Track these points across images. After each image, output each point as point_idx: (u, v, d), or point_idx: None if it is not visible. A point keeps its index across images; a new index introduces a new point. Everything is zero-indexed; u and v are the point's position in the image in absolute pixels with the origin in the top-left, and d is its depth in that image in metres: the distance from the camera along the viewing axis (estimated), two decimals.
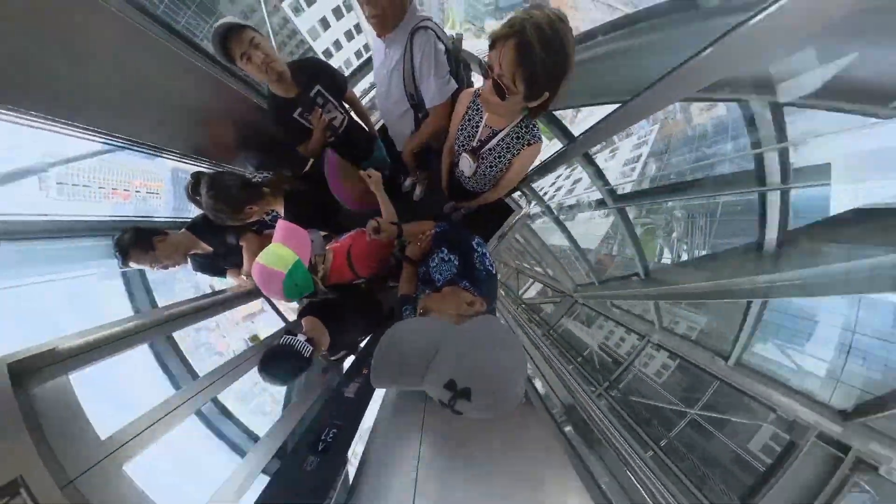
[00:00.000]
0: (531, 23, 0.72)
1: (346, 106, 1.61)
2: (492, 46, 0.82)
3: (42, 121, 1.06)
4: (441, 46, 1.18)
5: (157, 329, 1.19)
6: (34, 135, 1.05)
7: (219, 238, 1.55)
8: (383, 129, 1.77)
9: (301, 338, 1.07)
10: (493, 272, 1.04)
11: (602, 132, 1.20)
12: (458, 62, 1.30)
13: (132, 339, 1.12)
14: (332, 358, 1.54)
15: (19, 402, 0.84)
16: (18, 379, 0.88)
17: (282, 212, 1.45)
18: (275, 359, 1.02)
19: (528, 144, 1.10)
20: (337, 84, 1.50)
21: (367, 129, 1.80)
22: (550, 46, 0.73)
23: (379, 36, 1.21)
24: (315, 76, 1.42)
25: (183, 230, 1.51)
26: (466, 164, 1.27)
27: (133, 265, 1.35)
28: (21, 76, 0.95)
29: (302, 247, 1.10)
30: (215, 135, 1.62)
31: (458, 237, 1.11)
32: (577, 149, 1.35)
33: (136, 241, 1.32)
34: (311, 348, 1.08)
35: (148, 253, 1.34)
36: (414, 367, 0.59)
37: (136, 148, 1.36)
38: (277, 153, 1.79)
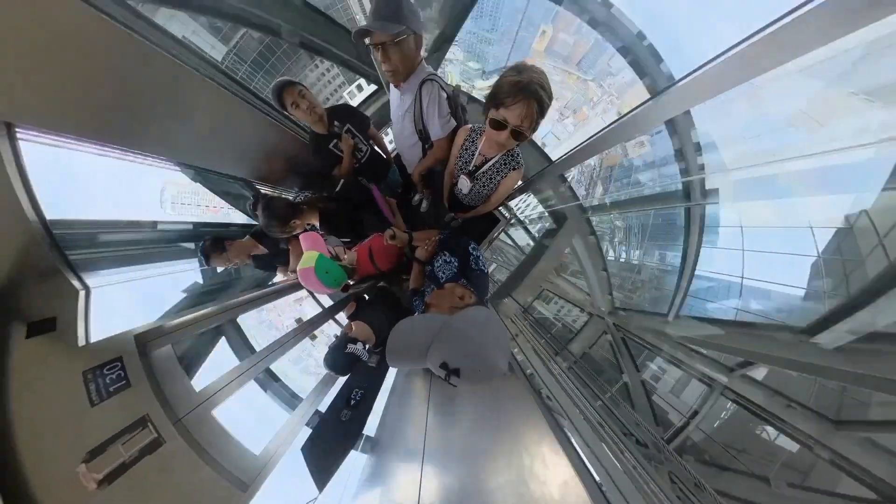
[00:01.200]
0: (539, 84, 0.96)
1: (370, 140, 2.06)
2: (507, 107, 1.00)
3: (161, 160, 1.49)
4: (444, 94, 1.48)
5: (231, 312, 1.58)
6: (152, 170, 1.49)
7: (273, 242, 1.95)
8: (397, 156, 2.16)
9: (360, 346, 1.40)
10: (486, 270, 1.29)
11: (574, 158, 1.50)
12: (456, 106, 1.60)
13: (215, 319, 1.50)
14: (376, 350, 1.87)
15: (143, 363, 1.17)
16: (142, 346, 1.21)
17: (318, 224, 1.83)
18: (343, 361, 1.38)
19: (513, 169, 1.42)
20: (361, 123, 1.95)
21: (385, 156, 2.23)
22: (549, 94, 0.99)
23: (395, 86, 1.52)
24: (345, 117, 1.87)
25: (247, 236, 1.93)
26: (464, 184, 1.60)
27: (213, 264, 1.76)
28: (142, 126, 1.35)
29: (318, 245, 1.42)
30: (273, 165, 2.08)
31: (458, 243, 1.34)
32: (554, 170, 1.66)
33: (214, 245, 1.74)
34: (367, 354, 1.41)
35: (221, 254, 1.75)
36: (417, 352, 0.73)
37: (222, 177, 1.81)
38: (316, 177, 2.21)
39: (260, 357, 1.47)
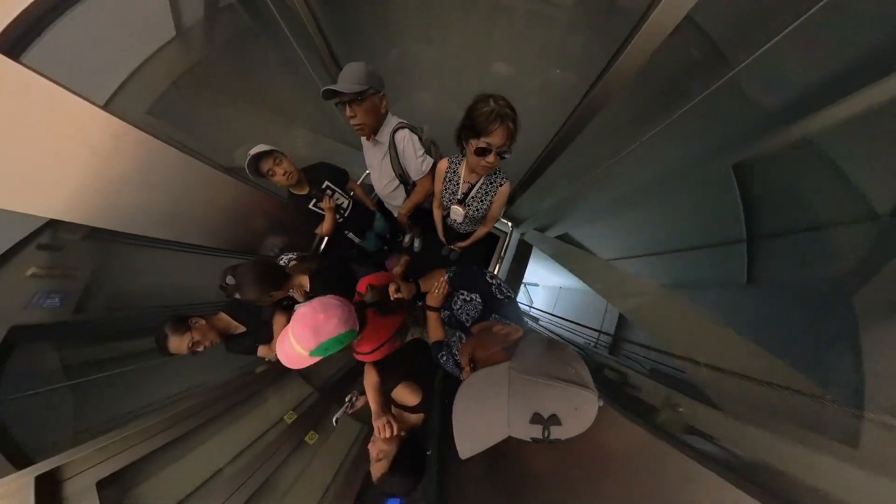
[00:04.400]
0: (509, 107, 1.07)
1: (350, 192, 2.06)
2: (488, 134, 1.08)
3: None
4: (416, 136, 1.58)
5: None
6: None
7: (252, 317, 1.69)
8: (380, 202, 2.15)
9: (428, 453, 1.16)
10: (512, 295, 1.11)
11: None
12: (429, 144, 1.69)
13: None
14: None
15: None
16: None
17: (308, 287, 1.67)
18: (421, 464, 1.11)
19: (501, 185, 1.46)
20: (340, 178, 1.95)
21: (368, 206, 2.22)
22: (516, 115, 1.09)
23: (367, 139, 1.61)
24: (322, 175, 1.87)
25: (219, 312, 1.64)
26: (457, 213, 1.61)
27: (173, 351, 1.37)
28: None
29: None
30: (249, 230, 1.95)
31: (472, 276, 1.19)
32: None
33: (176, 326, 1.37)
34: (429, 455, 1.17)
35: (185, 335, 1.38)
36: (495, 422, 0.59)
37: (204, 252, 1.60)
38: (299, 237, 2.11)
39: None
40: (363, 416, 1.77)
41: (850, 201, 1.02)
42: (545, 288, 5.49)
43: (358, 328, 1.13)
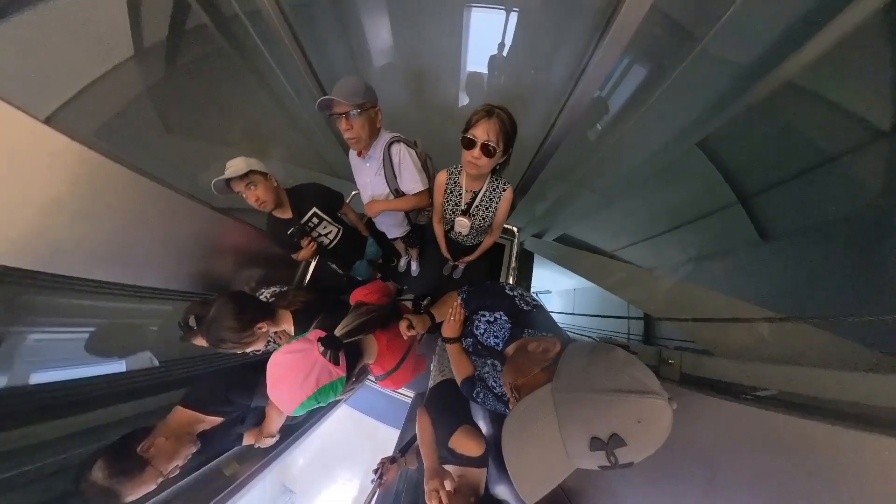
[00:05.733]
0: (499, 108, 1.11)
1: (343, 215, 1.83)
2: (473, 126, 1.11)
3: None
4: (412, 150, 1.51)
5: None
6: None
7: (226, 404, 1.28)
8: (370, 223, 1.97)
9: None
10: (539, 303, 0.98)
11: None
12: (424, 158, 1.63)
13: None
14: None
15: None
16: None
17: (291, 330, 1.39)
18: None
19: (504, 190, 1.38)
20: (332, 204, 1.71)
21: (360, 231, 1.97)
22: (510, 118, 1.12)
23: (360, 155, 1.51)
24: (311, 200, 1.62)
25: (176, 408, 1.18)
26: (463, 225, 1.47)
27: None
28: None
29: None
30: (220, 266, 1.65)
31: (489, 293, 1.05)
32: None
33: (118, 469, 0.91)
34: None
35: (144, 471, 0.94)
36: (554, 457, 0.51)
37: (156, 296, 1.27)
38: (277, 269, 1.82)
39: None
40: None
41: (852, 127, 1.01)
42: (558, 293, 5.32)
43: (346, 372, 0.87)
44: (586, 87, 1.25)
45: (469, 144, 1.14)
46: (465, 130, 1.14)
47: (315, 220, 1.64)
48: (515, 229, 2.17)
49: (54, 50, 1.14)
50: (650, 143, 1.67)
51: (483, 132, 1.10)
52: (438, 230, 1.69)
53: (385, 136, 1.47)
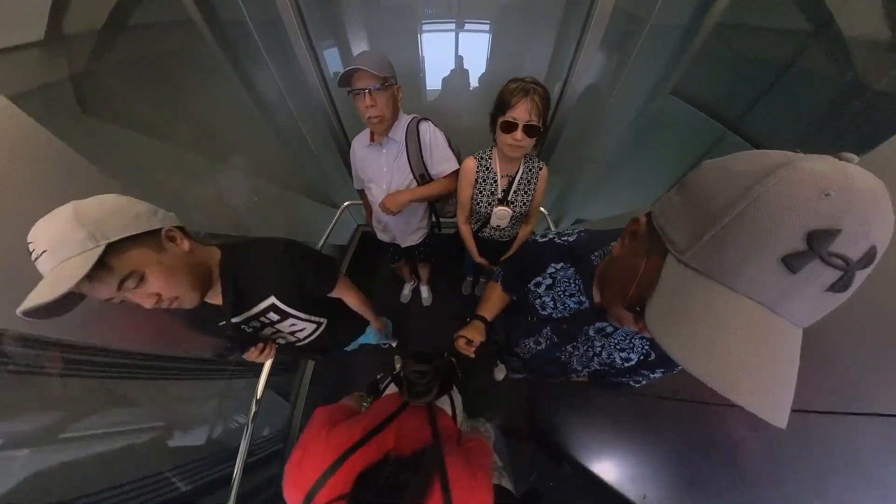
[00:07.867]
0: (534, 82, 1.03)
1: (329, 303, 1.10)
2: (512, 108, 1.03)
3: None
4: (439, 128, 1.38)
5: None
6: None
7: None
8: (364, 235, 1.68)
9: None
10: (582, 231, 0.75)
11: None
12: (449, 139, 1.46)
13: None
14: None
15: None
16: None
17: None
18: None
19: (541, 169, 1.28)
20: (307, 289, 0.91)
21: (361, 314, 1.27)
22: (545, 90, 1.05)
23: (374, 140, 1.34)
24: (267, 282, 0.83)
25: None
26: (503, 216, 1.30)
27: None
28: None
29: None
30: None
31: (525, 256, 0.82)
32: None
33: None
34: None
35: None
36: (757, 326, 0.31)
37: None
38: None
39: None
40: None
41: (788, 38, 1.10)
42: None
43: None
44: (577, 80, 1.41)
45: (510, 128, 1.06)
46: (502, 112, 1.06)
47: (272, 317, 0.89)
48: (545, 212, 2.01)
49: None
50: (636, 100, 1.79)
51: (524, 112, 1.03)
52: (465, 231, 1.46)
53: (404, 117, 1.34)
